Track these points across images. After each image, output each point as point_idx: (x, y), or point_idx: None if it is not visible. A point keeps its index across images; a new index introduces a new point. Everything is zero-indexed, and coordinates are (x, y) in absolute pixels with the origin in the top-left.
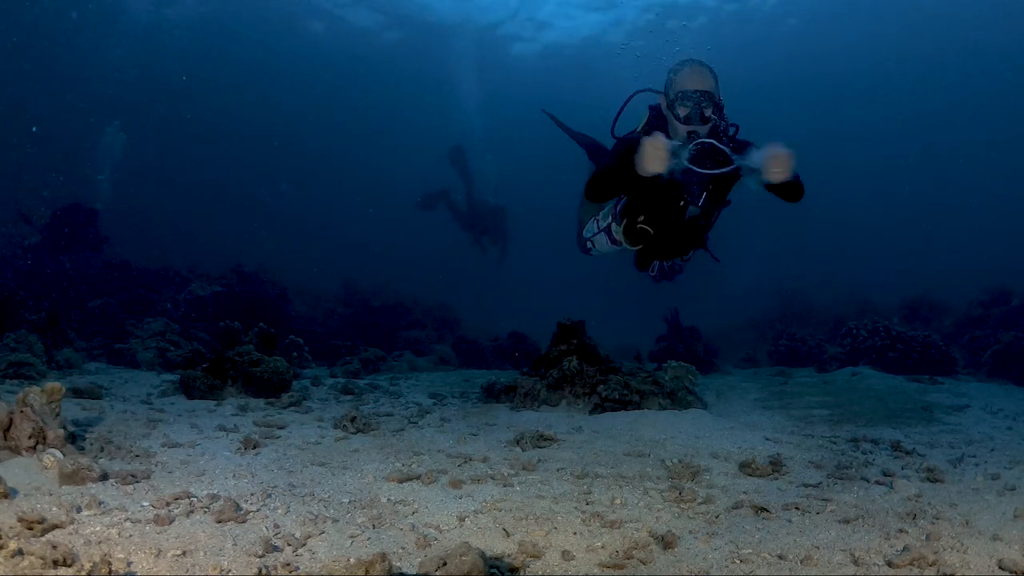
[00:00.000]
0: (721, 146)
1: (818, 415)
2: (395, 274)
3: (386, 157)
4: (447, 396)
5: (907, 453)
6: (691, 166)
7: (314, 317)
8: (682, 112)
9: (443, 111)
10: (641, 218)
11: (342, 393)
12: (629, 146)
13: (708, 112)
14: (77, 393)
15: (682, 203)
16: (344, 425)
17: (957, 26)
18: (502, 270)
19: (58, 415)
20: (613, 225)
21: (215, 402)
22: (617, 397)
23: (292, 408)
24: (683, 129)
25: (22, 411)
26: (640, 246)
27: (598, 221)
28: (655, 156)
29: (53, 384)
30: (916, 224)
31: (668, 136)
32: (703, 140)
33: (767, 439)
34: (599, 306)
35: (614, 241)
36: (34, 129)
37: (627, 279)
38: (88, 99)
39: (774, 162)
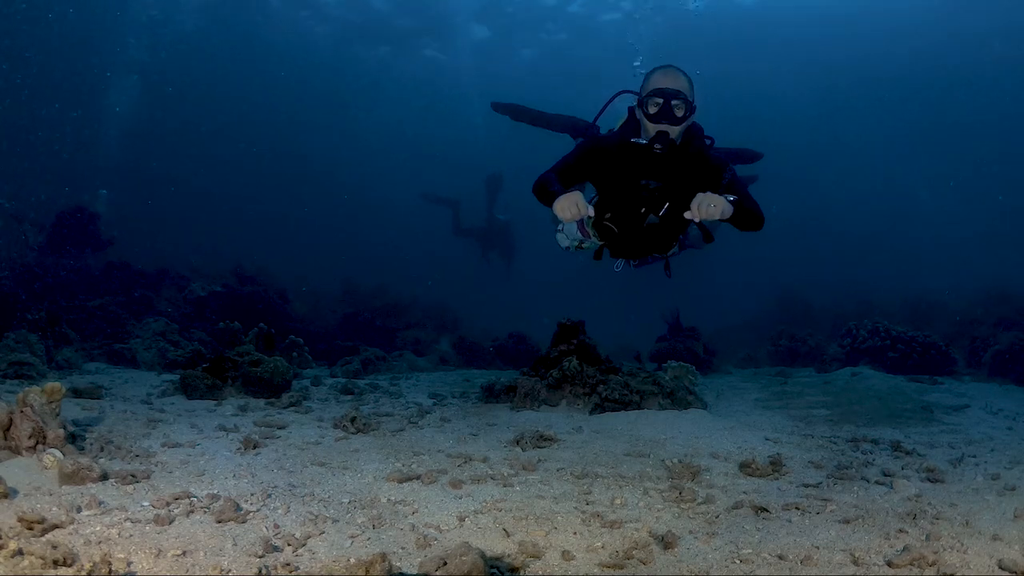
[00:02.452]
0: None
1: (818, 415)
2: (395, 274)
3: (386, 158)
4: (447, 396)
5: (907, 453)
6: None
7: (314, 317)
8: (652, 109)
9: (445, 112)
10: (608, 215)
11: (342, 393)
12: (592, 145)
13: (679, 112)
14: (77, 393)
15: (643, 210)
16: (344, 425)
17: (963, 32)
18: (504, 275)
19: (58, 415)
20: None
21: (215, 402)
22: (617, 397)
23: (292, 408)
24: (653, 128)
25: (22, 411)
26: (603, 243)
27: None
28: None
29: (53, 384)
30: (917, 224)
31: (639, 135)
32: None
33: (767, 439)
34: (599, 306)
35: (584, 232)
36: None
37: (626, 279)
38: (87, 100)
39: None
